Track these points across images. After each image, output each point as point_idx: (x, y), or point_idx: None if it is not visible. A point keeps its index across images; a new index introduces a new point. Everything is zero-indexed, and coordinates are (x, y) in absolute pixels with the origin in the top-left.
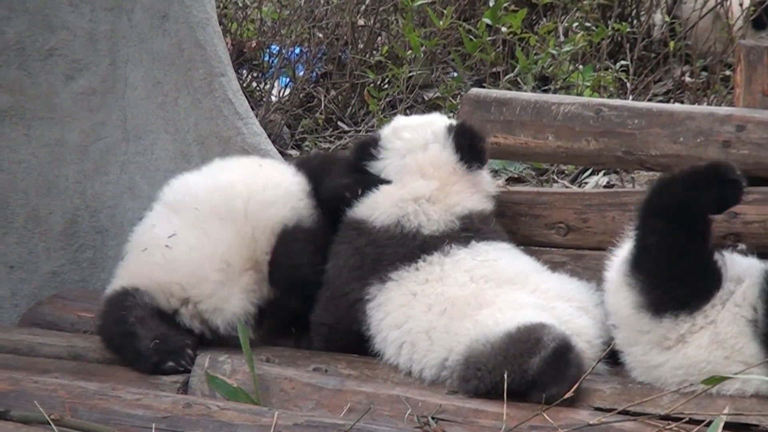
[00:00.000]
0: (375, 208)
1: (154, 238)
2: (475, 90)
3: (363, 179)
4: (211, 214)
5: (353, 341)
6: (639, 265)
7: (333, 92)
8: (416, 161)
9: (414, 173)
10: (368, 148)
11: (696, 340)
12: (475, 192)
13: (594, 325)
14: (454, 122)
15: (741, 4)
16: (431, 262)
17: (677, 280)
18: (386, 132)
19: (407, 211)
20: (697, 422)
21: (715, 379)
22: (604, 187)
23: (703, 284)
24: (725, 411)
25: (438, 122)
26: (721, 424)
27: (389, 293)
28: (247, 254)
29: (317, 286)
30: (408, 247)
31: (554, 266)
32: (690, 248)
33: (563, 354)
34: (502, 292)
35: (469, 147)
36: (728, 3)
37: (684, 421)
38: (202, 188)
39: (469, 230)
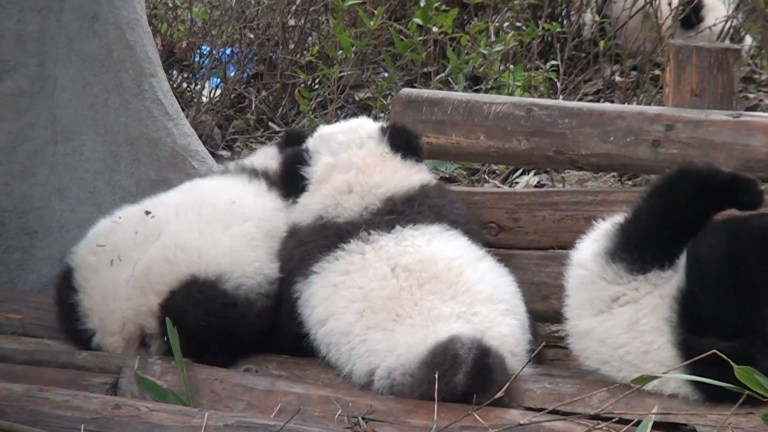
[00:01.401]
0: (303, 210)
1: None
2: (406, 90)
3: (295, 188)
4: None
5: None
6: (626, 220)
7: (264, 93)
8: (350, 156)
9: (344, 169)
10: (299, 157)
11: (620, 315)
12: (404, 176)
13: (517, 329)
14: (384, 124)
15: (670, 4)
16: (350, 250)
17: (644, 241)
18: (315, 139)
19: (326, 204)
20: (626, 422)
21: (644, 379)
22: (535, 186)
23: (659, 257)
24: (654, 410)
25: (368, 124)
26: (650, 424)
27: (313, 287)
28: None
29: None
30: (326, 237)
31: None
32: (674, 229)
33: (484, 362)
34: (420, 298)
35: (405, 144)
36: (657, 2)
37: (613, 420)
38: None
39: (393, 212)
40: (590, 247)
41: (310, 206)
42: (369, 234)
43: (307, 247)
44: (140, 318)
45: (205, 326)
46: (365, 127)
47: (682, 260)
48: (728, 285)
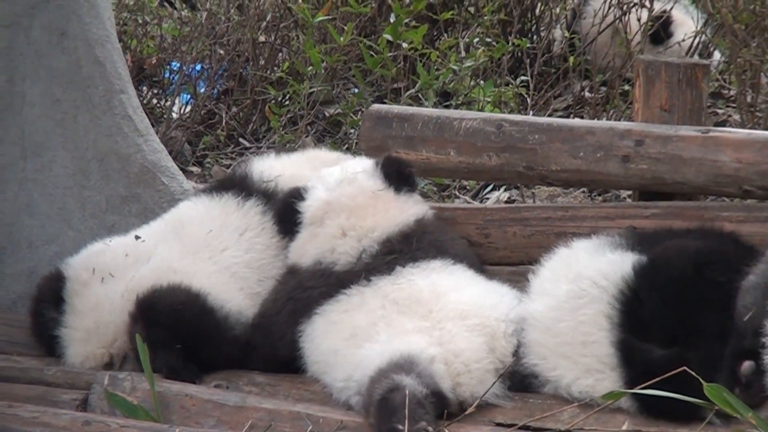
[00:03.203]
0: (301, 253)
1: None
2: (376, 106)
3: (290, 224)
4: None
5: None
6: None
7: (234, 109)
8: (341, 196)
9: (336, 213)
10: (296, 193)
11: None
12: (397, 212)
13: (480, 346)
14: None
15: (639, 19)
16: (350, 294)
17: None
18: (314, 178)
19: (323, 250)
20: None
21: (614, 395)
22: (506, 202)
23: None
24: (625, 426)
25: (365, 161)
26: None
27: (314, 324)
28: None
29: None
30: (328, 285)
31: None
32: None
33: (389, 399)
34: (393, 319)
35: (396, 173)
36: (626, 18)
37: None
38: None
39: (392, 252)
40: None
41: (308, 250)
42: (369, 280)
43: (310, 292)
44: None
45: (179, 333)
46: (361, 162)
47: (627, 258)
48: (671, 294)
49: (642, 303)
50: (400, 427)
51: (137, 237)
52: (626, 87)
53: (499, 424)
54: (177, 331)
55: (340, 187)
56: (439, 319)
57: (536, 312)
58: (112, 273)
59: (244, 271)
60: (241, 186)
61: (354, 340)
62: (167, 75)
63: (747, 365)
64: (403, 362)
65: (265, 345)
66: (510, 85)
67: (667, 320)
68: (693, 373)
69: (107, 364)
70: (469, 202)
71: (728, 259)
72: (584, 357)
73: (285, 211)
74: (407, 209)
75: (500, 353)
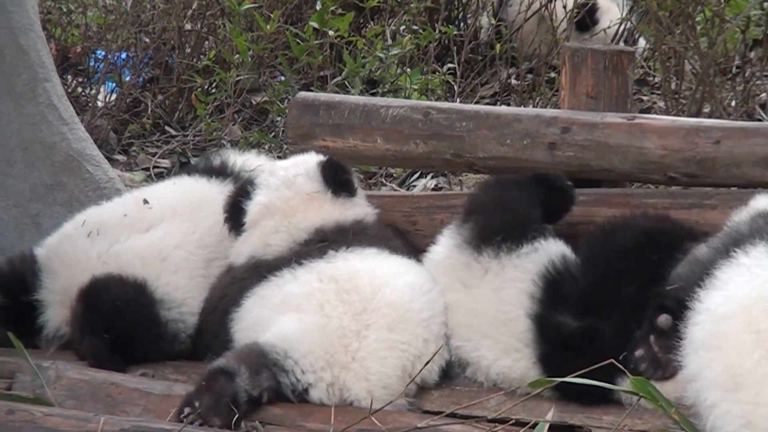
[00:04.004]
0: (237, 254)
1: None
2: (303, 94)
3: (237, 222)
4: None
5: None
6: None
7: (160, 97)
8: (277, 199)
9: (272, 211)
10: (243, 191)
11: (487, 283)
12: (332, 211)
13: (394, 371)
14: (323, 159)
15: (565, 7)
16: (281, 274)
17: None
18: (262, 174)
19: (257, 247)
20: (523, 424)
21: (540, 383)
22: (433, 189)
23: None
24: (550, 414)
25: (310, 159)
26: (546, 426)
27: (244, 306)
28: None
29: None
30: (259, 274)
31: None
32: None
33: (214, 377)
34: (330, 300)
35: (334, 180)
36: (552, 5)
37: (510, 423)
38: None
39: (324, 240)
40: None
41: (242, 250)
42: (301, 264)
43: (242, 283)
44: None
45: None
46: (305, 162)
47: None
48: (609, 267)
49: (570, 279)
50: (197, 404)
51: (146, 201)
52: (552, 74)
53: (426, 412)
54: (112, 323)
55: (278, 191)
56: (368, 324)
57: (475, 289)
58: (101, 230)
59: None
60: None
61: (282, 307)
62: (92, 63)
63: (664, 317)
64: (274, 361)
65: (199, 343)
66: (437, 73)
67: (595, 294)
68: (620, 366)
69: None
70: (395, 190)
71: (671, 242)
72: (504, 336)
73: (232, 209)
74: (345, 211)
75: (415, 370)
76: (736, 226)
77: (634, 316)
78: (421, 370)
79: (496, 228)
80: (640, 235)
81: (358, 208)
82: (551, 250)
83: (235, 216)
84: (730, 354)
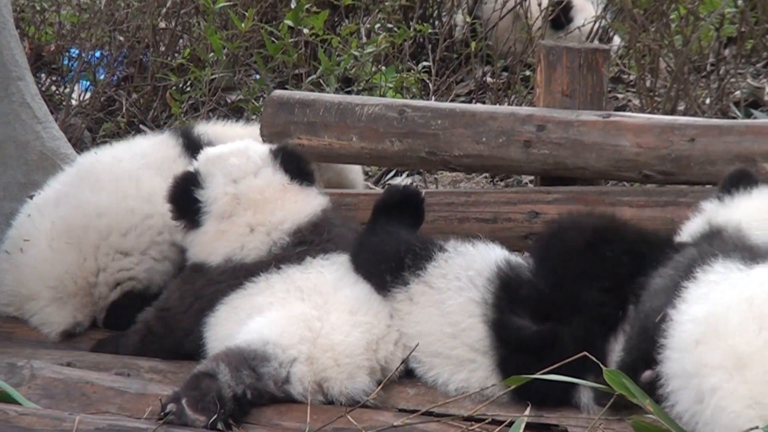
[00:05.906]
0: (209, 250)
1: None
2: (278, 92)
3: (188, 211)
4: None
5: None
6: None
7: (135, 95)
8: (248, 190)
9: (245, 204)
10: (191, 179)
11: (419, 305)
12: (305, 204)
13: (357, 341)
14: (272, 146)
15: (540, 5)
16: (257, 281)
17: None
18: (203, 160)
19: (233, 247)
20: (499, 423)
21: (515, 380)
22: None
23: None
24: (527, 412)
25: (256, 147)
26: (523, 425)
27: (217, 313)
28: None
29: None
30: (236, 278)
31: None
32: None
33: (199, 379)
34: (290, 302)
35: (298, 170)
36: (527, 3)
37: (487, 421)
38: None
39: (303, 243)
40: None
41: (216, 248)
42: (279, 268)
43: (219, 286)
44: None
45: None
46: (255, 150)
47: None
48: (562, 267)
49: (524, 281)
50: (183, 401)
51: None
52: (528, 72)
53: (402, 410)
54: None
55: (247, 180)
56: (329, 310)
57: (410, 315)
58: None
59: None
60: None
61: (251, 314)
62: (66, 62)
63: (647, 374)
64: (253, 354)
65: (168, 337)
66: (412, 71)
67: (553, 295)
68: (593, 358)
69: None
70: (371, 188)
71: (622, 238)
72: (455, 350)
73: (182, 198)
74: (312, 200)
75: (384, 356)
76: (684, 253)
77: (594, 317)
78: (409, 355)
79: (380, 270)
80: (591, 233)
81: (320, 197)
82: (488, 255)
83: (183, 202)
84: (735, 338)
